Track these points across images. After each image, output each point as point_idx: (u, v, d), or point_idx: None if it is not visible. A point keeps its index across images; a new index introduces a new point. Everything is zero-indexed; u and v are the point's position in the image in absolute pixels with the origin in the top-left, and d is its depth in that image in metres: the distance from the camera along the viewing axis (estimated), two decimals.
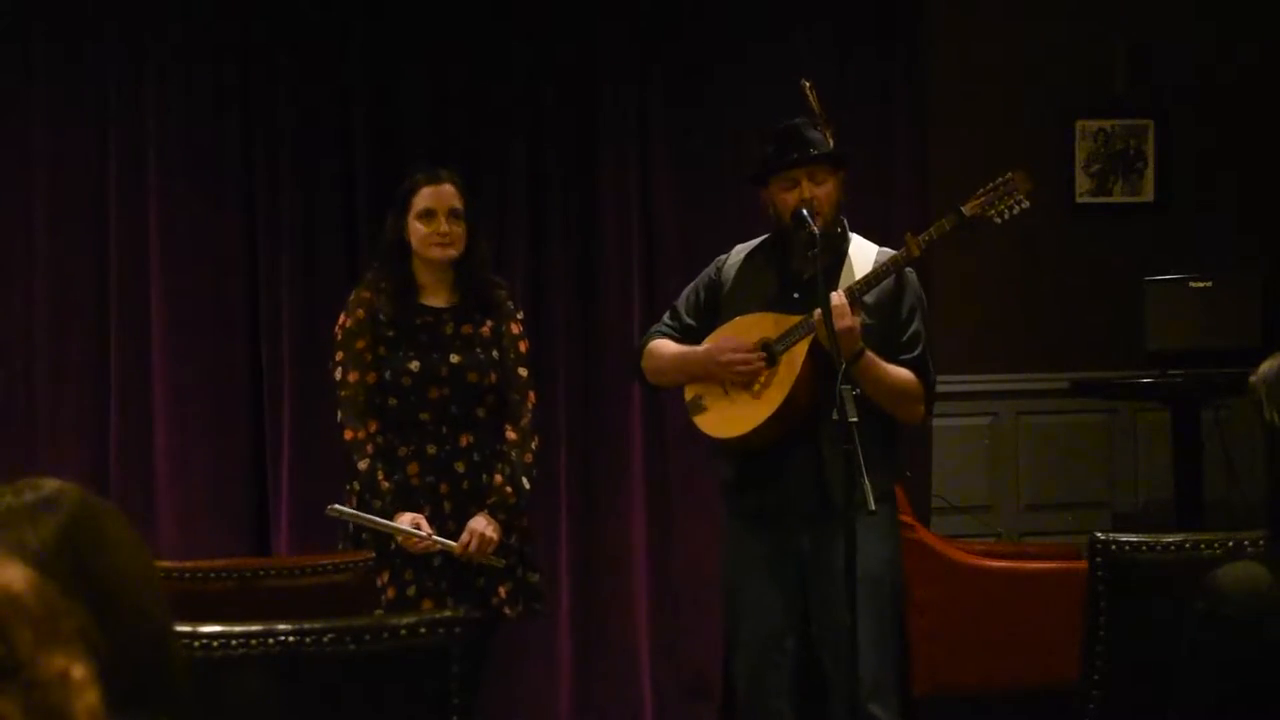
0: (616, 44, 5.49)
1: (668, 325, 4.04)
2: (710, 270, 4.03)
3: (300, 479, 5.22)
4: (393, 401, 4.09)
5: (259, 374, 5.33)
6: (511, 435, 4.13)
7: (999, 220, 3.73)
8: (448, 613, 2.44)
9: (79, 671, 1.23)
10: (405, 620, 2.40)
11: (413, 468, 4.07)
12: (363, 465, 4.05)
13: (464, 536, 4.01)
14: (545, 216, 5.46)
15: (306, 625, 2.35)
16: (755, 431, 3.77)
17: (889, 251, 3.84)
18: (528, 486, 4.12)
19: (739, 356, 3.78)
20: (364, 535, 4.06)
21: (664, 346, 3.99)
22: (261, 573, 3.61)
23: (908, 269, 3.82)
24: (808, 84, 3.98)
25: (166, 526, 5.23)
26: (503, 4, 5.45)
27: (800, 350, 3.72)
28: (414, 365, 4.07)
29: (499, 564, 4.06)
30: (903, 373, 3.77)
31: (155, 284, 5.27)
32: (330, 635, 2.35)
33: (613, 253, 5.48)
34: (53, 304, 5.27)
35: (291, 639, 2.33)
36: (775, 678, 3.82)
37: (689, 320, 4.00)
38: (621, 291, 5.46)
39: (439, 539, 3.99)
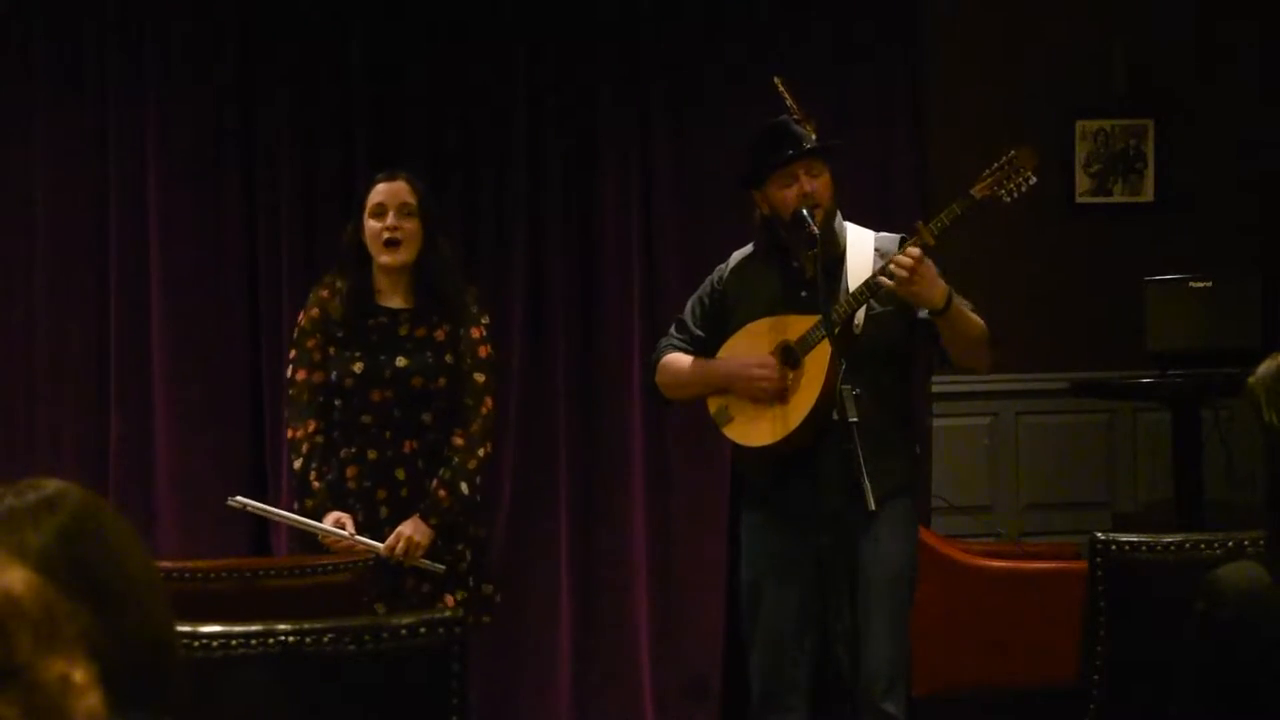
0: (617, 46, 5.48)
1: (678, 338, 4.01)
2: (713, 279, 4.01)
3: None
4: (337, 402, 4.05)
5: (259, 374, 5.33)
6: (458, 440, 4.04)
7: (1008, 199, 3.68)
8: (448, 613, 2.44)
9: (80, 674, 1.23)
10: (405, 620, 2.40)
11: (351, 470, 4.02)
12: (297, 464, 4.03)
13: (390, 540, 3.95)
14: (545, 218, 5.46)
15: (306, 625, 2.35)
16: (789, 437, 3.75)
17: (888, 235, 3.83)
18: (467, 492, 4.02)
19: (764, 373, 3.77)
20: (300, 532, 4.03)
21: (679, 360, 3.97)
22: (261, 573, 3.61)
23: None
24: (779, 80, 3.97)
25: (166, 526, 5.23)
26: (503, 5, 5.45)
27: (823, 350, 3.69)
28: (357, 367, 4.01)
29: (438, 569, 3.98)
30: (979, 320, 3.76)
31: (155, 284, 5.27)
32: (330, 635, 2.35)
33: (613, 255, 5.47)
34: (53, 304, 5.27)
35: (291, 639, 2.33)
36: (792, 674, 3.81)
37: (698, 331, 3.97)
38: (621, 294, 5.46)
39: (361, 539, 3.92)
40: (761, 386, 3.77)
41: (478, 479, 4.06)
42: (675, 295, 5.37)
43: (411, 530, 3.96)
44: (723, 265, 4.02)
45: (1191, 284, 5.64)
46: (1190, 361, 5.54)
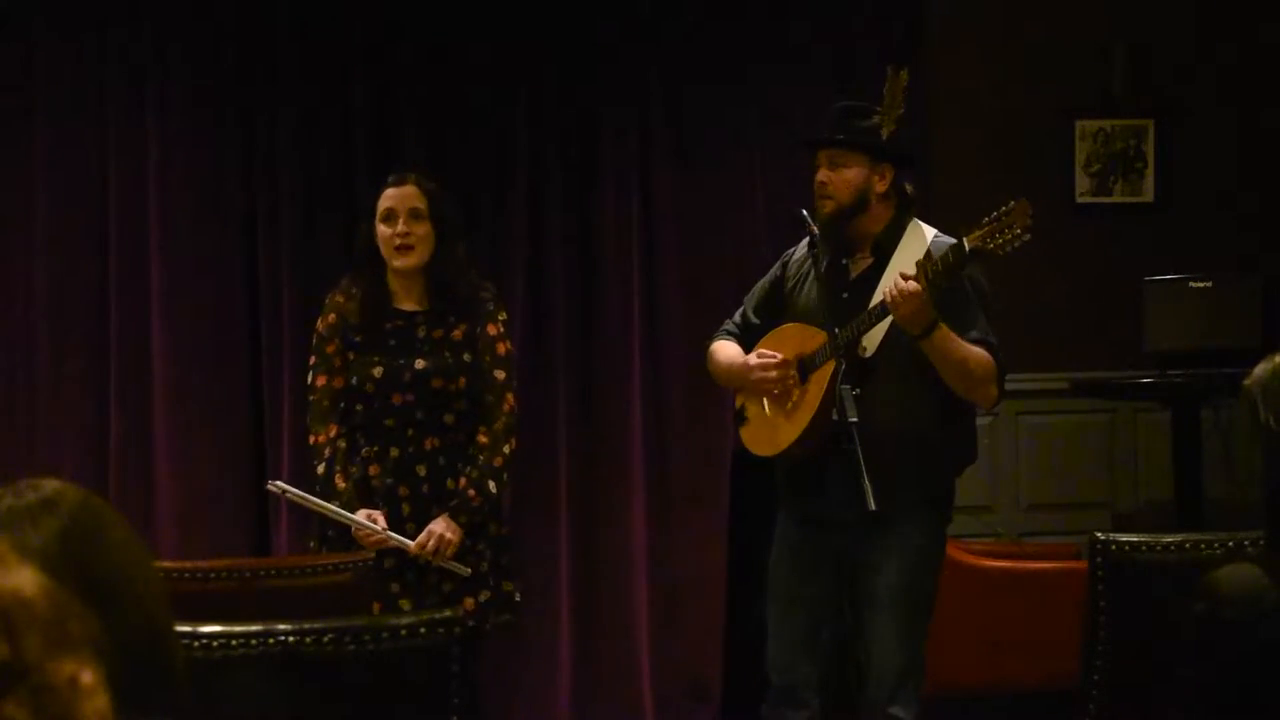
0: (617, 45, 5.48)
1: (733, 323, 3.99)
2: (776, 267, 3.95)
3: (300, 479, 5.20)
4: (359, 407, 4.04)
5: (259, 374, 5.34)
6: (482, 439, 4.05)
7: (1001, 254, 3.46)
8: (447, 612, 2.44)
9: (88, 676, 1.23)
10: (405, 620, 2.40)
11: (374, 469, 4.02)
12: (320, 469, 4.03)
13: (421, 537, 3.94)
14: (545, 216, 5.46)
15: (306, 625, 2.35)
16: (785, 452, 3.76)
17: (942, 241, 3.63)
18: (494, 490, 4.02)
19: (768, 374, 3.74)
20: (330, 533, 4.03)
21: (719, 350, 3.94)
22: (261, 573, 3.60)
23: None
24: (896, 69, 3.82)
25: (166, 526, 5.23)
26: (504, 5, 5.45)
27: (828, 370, 3.65)
28: (377, 371, 4.01)
29: (463, 571, 3.97)
30: (977, 350, 3.61)
31: (155, 284, 5.27)
32: (330, 635, 2.35)
33: (612, 252, 5.47)
34: (52, 304, 5.27)
35: (291, 639, 2.33)
36: (807, 669, 3.80)
37: (754, 319, 3.94)
38: (621, 291, 5.46)
39: (394, 535, 3.92)
40: (765, 385, 3.75)
41: (504, 476, 4.07)
42: (675, 293, 5.38)
43: (444, 528, 3.95)
44: (789, 251, 3.94)
45: (1191, 284, 5.64)
46: (1190, 361, 5.54)
